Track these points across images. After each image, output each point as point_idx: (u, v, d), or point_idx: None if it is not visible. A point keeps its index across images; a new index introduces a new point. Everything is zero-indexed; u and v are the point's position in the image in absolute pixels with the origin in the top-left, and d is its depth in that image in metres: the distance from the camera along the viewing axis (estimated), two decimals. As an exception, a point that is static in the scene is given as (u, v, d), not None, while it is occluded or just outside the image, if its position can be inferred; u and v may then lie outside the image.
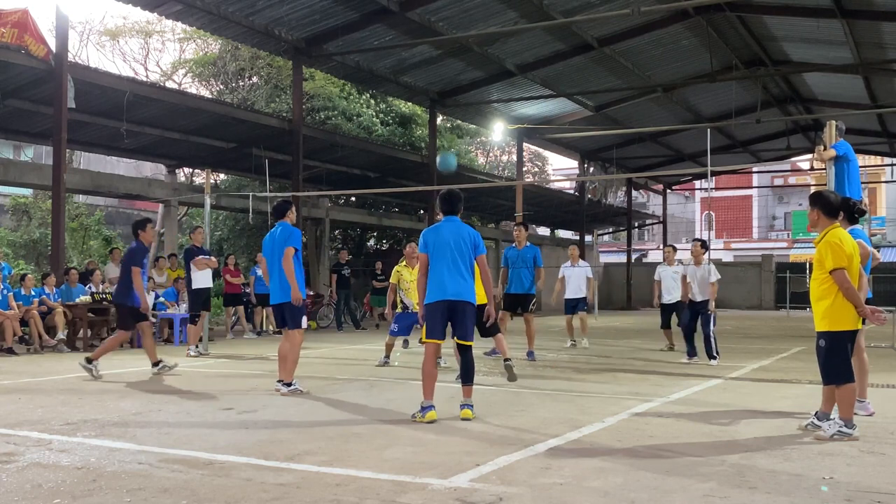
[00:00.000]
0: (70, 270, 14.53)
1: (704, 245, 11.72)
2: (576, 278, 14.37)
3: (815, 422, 6.07)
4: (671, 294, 12.94)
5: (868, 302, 6.61)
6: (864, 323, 6.12)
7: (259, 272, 17.02)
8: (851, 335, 5.97)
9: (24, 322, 13.03)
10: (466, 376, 6.72)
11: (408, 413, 6.61)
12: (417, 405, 6.52)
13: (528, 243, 11.94)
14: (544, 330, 19.40)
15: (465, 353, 6.77)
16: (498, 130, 26.60)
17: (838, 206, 6.20)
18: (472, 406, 6.63)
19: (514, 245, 12.00)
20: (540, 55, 21.98)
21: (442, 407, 6.67)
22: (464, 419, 6.49)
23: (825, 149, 7.78)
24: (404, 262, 11.03)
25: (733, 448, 5.55)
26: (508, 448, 5.42)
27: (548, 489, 4.44)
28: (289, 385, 8.08)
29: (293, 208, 8.71)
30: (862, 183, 8.53)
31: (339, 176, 24.07)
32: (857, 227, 6.92)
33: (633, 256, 40.83)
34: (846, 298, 5.83)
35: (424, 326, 6.76)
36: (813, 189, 45.55)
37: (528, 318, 11.86)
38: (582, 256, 15.60)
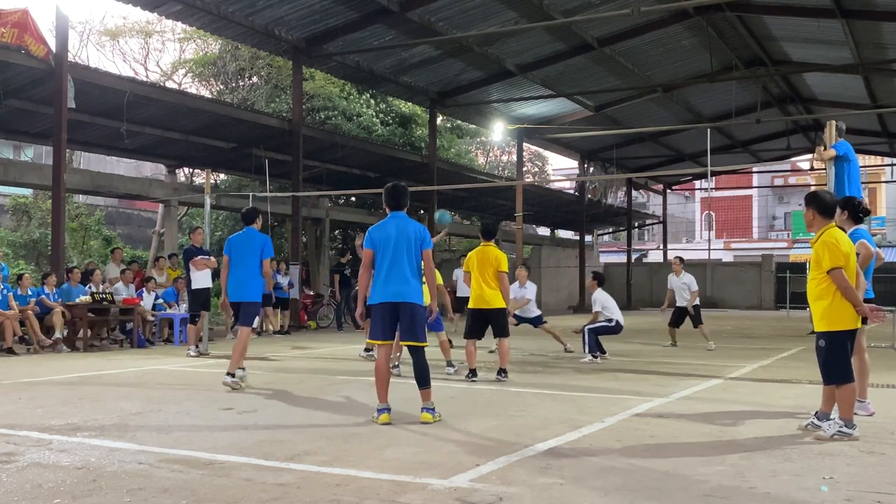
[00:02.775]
0: (73, 270, 14.55)
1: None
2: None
3: (816, 422, 6.06)
4: (682, 299, 14.26)
5: (869, 301, 6.62)
6: (864, 322, 6.11)
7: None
8: (851, 335, 5.96)
9: (22, 322, 13.02)
10: (420, 379, 6.51)
11: (408, 413, 6.60)
12: (417, 405, 6.52)
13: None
14: (536, 330, 19.37)
15: (416, 355, 6.57)
16: (498, 130, 26.61)
17: (833, 206, 6.19)
18: (431, 409, 6.44)
19: None
20: (540, 55, 21.98)
21: (442, 407, 6.67)
22: (423, 423, 6.31)
23: (825, 149, 7.78)
24: None
25: (733, 448, 5.55)
26: (508, 448, 5.42)
27: (548, 489, 4.44)
28: (231, 376, 8.47)
29: (261, 216, 9.36)
30: (862, 183, 8.52)
31: (339, 176, 24.06)
32: (861, 226, 6.91)
33: (633, 256, 40.82)
34: (844, 298, 5.83)
35: (369, 327, 6.68)
36: (813, 189, 45.58)
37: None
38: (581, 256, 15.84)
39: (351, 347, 14.28)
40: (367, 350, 11.23)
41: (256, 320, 17.18)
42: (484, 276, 9.20)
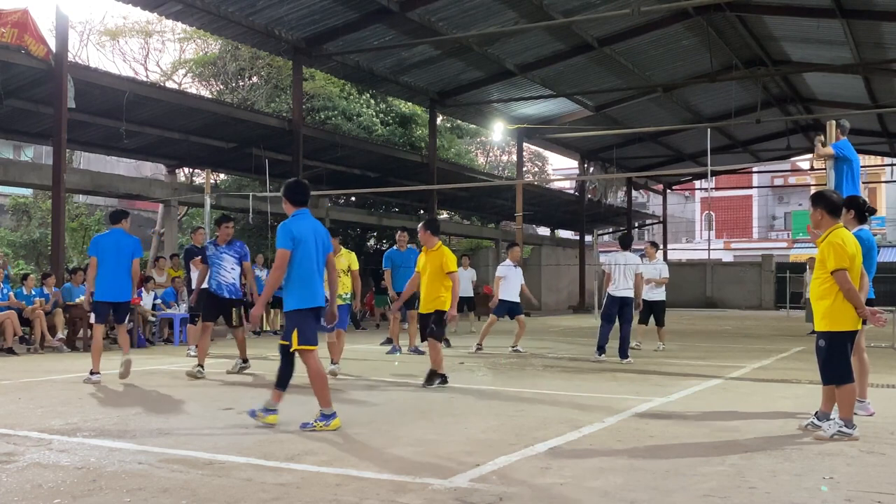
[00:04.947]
0: (77, 271, 14.58)
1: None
2: (514, 280, 13.44)
3: (816, 422, 6.06)
4: (651, 292, 13.38)
5: (870, 302, 6.62)
6: (864, 323, 6.12)
7: (257, 272, 17.02)
8: (851, 335, 5.96)
9: (24, 322, 13.03)
10: (279, 380, 6.30)
11: (408, 413, 6.60)
12: (418, 405, 6.51)
13: (410, 246, 13.09)
14: (544, 330, 19.41)
15: (287, 357, 6.33)
16: (498, 130, 26.61)
17: (841, 206, 6.18)
18: (274, 411, 6.22)
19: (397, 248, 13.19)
20: (540, 55, 21.97)
21: (442, 407, 6.67)
22: (269, 424, 6.15)
23: (824, 145, 7.76)
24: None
25: (733, 448, 5.55)
26: (508, 448, 5.42)
27: (548, 489, 4.44)
28: (93, 373, 8.94)
29: (129, 217, 9.68)
30: (862, 183, 8.51)
31: (339, 176, 24.06)
32: (864, 226, 6.89)
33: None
34: (847, 299, 5.83)
35: (297, 333, 6.13)
36: (813, 189, 45.55)
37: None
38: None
39: (350, 347, 14.27)
40: (244, 360, 10.20)
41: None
42: (434, 278, 8.62)
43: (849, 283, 5.79)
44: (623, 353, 11.41)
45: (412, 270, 11.77)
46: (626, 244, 12.15)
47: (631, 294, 11.58)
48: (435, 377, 8.55)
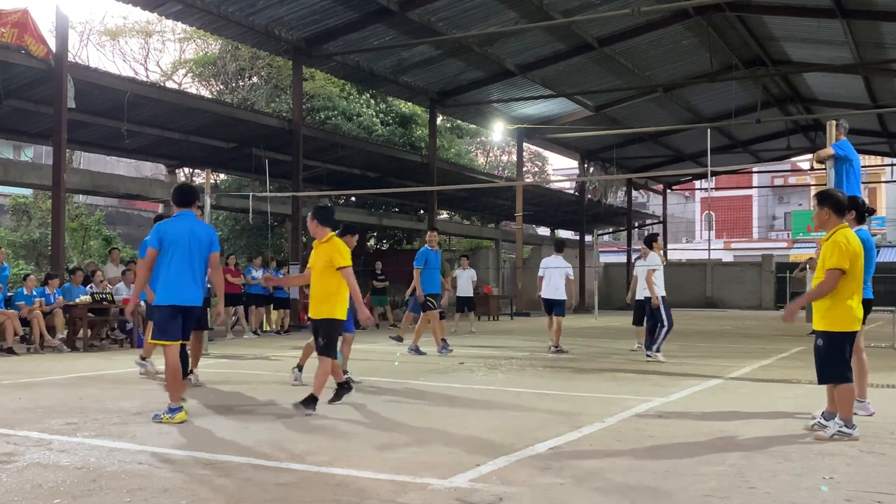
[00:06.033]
0: (77, 271, 14.58)
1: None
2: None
3: (822, 421, 6.04)
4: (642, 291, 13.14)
5: (869, 302, 6.64)
6: (864, 323, 6.12)
7: (254, 272, 17.03)
8: (850, 336, 5.95)
9: (25, 322, 13.03)
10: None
11: (408, 413, 6.60)
12: (418, 405, 6.51)
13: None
14: (544, 330, 19.39)
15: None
16: (498, 130, 26.62)
17: (847, 205, 6.17)
18: (180, 409, 6.36)
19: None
20: (540, 55, 21.98)
21: (442, 407, 6.66)
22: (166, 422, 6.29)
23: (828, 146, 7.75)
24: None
25: (733, 448, 5.55)
26: (508, 448, 5.42)
27: (548, 489, 4.44)
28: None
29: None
30: (862, 183, 8.51)
31: (339, 176, 24.07)
32: (863, 226, 6.90)
33: (633, 256, 40.80)
34: (814, 294, 5.97)
35: (155, 327, 6.62)
36: (813, 189, 45.55)
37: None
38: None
39: (352, 347, 14.27)
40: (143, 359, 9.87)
41: (254, 320, 17.29)
42: (323, 275, 7.07)
43: (832, 283, 5.81)
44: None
45: (439, 272, 12.18)
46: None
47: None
48: (311, 404, 6.78)
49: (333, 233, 7.20)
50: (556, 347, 12.82)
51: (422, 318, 12.78)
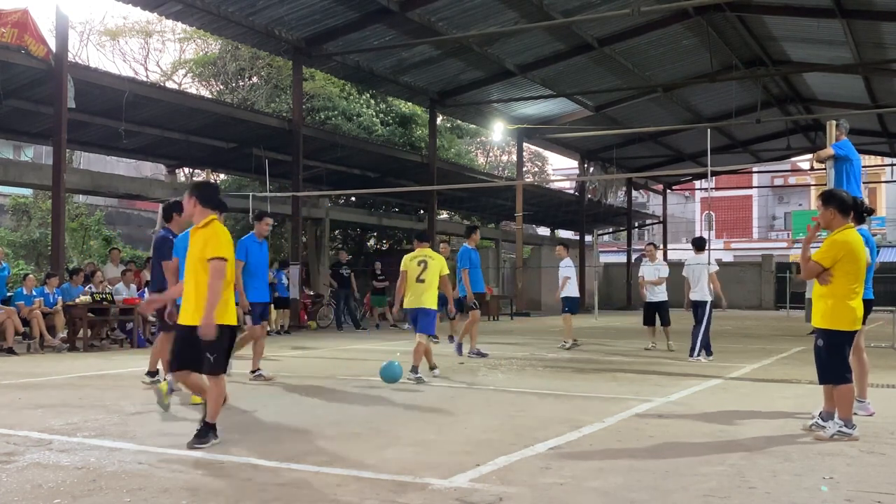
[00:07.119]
0: (78, 272, 14.57)
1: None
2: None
3: (820, 422, 6.04)
4: (653, 294, 13.44)
5: (870, 302, 6.65)
6: (864, 323, 6.12)
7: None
8: (850, 336, 5.96)
9: (25, 322, 13.03)
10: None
11: (408, 413, 6.59)
12: (418, 405, 6.50)
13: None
14: (544, 330, 19.40)
15: None
16: (498, 130, 26.62)
17: (851, 205, 6.17)
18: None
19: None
20: (540, 55, 21.98)
21: (442, 408, 6.66)
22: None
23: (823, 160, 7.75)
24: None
25: (733, 448, 5.55)
26: (508, 448, 5.42)
27: (548, 489, 4.44)
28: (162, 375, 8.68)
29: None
30: (862, 183, 8.50)
31: (339, 176, 24.06)
32: (863, 226, 6.90)
33: (634, 256, 40.83)
34: (802, 268, 6.06)
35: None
36: (813, 189, 45.59)
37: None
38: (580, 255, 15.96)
39: (351, 347, 14.29)
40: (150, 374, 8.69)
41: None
42: (195, 268, 5.55)
43: (809, 274, 5.92)
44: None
45: (480, 270, 12.36)
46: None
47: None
48: (209, 433, 5.44)
49: (216, 216, 5.62)
50: (574, 342, 13.87)
51: (470, 318, 12.32)
